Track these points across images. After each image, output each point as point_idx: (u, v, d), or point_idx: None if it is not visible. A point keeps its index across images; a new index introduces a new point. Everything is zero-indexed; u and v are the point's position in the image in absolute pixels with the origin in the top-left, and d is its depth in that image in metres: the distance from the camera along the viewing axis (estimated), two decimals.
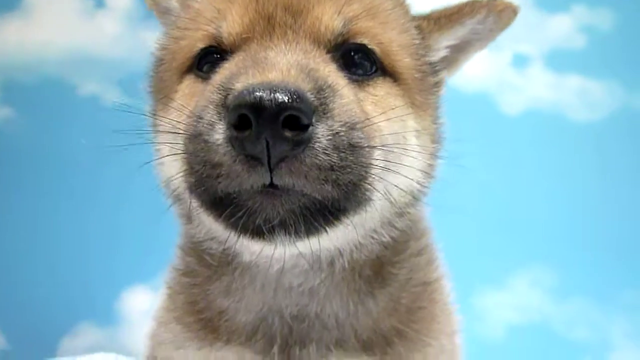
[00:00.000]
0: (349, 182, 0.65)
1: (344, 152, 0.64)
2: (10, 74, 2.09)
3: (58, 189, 2.06)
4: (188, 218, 0.81)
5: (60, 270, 1.95)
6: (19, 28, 2.15)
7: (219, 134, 0.64)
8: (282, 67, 0.66)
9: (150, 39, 2.05)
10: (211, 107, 0.66)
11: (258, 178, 0.63)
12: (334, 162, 0.63)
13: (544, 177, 2.01)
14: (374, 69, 0.77)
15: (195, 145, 0.66)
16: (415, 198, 0.79)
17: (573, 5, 2.07)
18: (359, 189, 0.66)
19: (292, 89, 0.62)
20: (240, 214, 0.65)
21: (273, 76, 0.64)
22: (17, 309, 1.95)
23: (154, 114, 0.85)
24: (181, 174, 0.70)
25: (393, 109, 0.75)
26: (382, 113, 0.72)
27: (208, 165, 0.65)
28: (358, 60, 0.76)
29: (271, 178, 0.63)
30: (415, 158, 0.76)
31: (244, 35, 0.74)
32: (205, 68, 0.78)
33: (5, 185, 2.07)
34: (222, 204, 0.67)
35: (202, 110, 0.67)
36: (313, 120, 0.63)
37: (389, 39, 0.77)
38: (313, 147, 0.63)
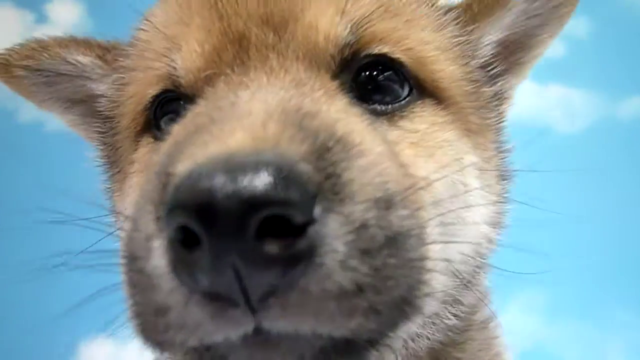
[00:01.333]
0: (395, 300, 0.39)
1: (379, 254, 0.38)
2: None
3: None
4: None
5: (9, 325, 1.73)
6: None
7: (159, 256, 0.39)
8: (254, 120, 0.41)
9: None
10: (147, 207, 0.40)
11: (233, 326, 0.39)
12: (364, 278, 0.37)
13: (530, 191, 1.93)
14: (406, 91, 0.54)
15: (132, 274, 0.42)
16: (484, 261, 0.60)
17: None
18: (411, 302, 0.41)
19: (270, 164, 0.36)
20: None
21: (236, 142, 0.39)
22: None
23: (111, 195, 0.66)
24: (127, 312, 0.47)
25: (443, 147, 0.54)
26: (429, 157, 0.51)
27: (150, 308, 0.40)
28: (382, 81, 0.53)
29: (256, 320, 0.39)
30: (481, 206, 0.57)
31: (207, 72, 0.51)
32: (163, 123, 0.56)
33: None
34: (190, 355, 0.43)
35: (137, 213, 0.42)
36: (315, 212, 0.37)
37: (420, 41, 0.55)
38: (322, 262, 0.37)
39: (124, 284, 0.45)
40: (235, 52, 0.51)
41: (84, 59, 0.70)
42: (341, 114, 0.47)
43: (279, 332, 0.39)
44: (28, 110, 1.94)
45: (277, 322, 0.39)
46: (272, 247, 0.36)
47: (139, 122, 0.60)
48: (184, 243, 0.37)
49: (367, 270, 0.38)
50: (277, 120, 0.42)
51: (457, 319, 0.59)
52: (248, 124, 0.41)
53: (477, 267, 0.58)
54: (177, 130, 0.50)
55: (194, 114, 0.49)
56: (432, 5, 0.63)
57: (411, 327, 0.48)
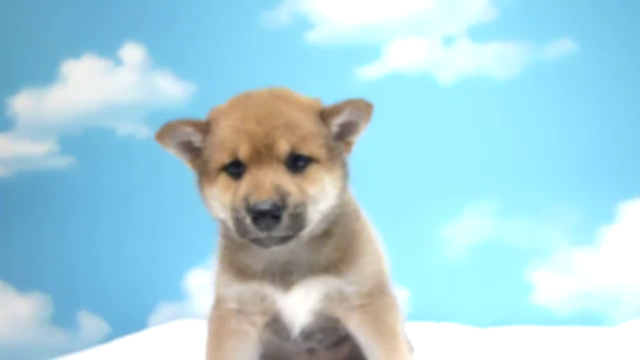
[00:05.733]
0: (299, 227, 1.20)
1: (294, 219, 1.19)
2: (63, 130, 2.62)
3: (119, 208, 2.62)
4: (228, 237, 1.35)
5: (139, 267, 2.57)
6: (61, 94, 2.63)
7: (249, 220, 1.17)
8: (267, 188, 1.18)
9: (161, 83, 2.59)
10: (242, 211, 1.18)
11: (266, 234, 1.17)
12: (291, 223, 1.18)
13: (479, 128, 2.54)
14: (306, 161, 1.25)
15: (239, 223, 1.19)
16: (336, 206, 1.30)
17: None
18: (302, 227, 1.21)
19: (272, 202, 1.16)
20: (258, 242, 1.21)
21: (265, 195, 1.17)
22: (113, 302, 2.57)
23: (201, 187, 1.32)
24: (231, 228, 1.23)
25: (317, 180, 1.25)
26: (312, 183, 1.24)
27: (244, 230, 1.19)
28: (298, 160, 1.25)
29: (269, 232, 1.17)
30: (332, 195, 1.30)
31: (250, 159, 1.22)
32: (230, 172, 1.25)
33: (84, 214, 2.64)
34: (252, 240, 1.20)
35: (238, 209, 1.19)
36: (281, 212, 1.16)
37: (312, 145, 1.26)
38: (283, 221, 1.17)
39: (235, 221, 1.20)
40: (258, 154, 1.20)
41: (190, 129, 1.32)
42: (288, 182, 1.20)
43: (275, 234, 1.17)
44: (122, 127, 2.62)
45: (274, 231, 1.17)
46: (273, 220, 1.16)
47: (219, 166, 1.25)
48: (254, 219, 1.14)
49: (291, 222, 1.19)
50: (272, 188, 1.17)
51: (330, 221, 1.31)
52: (266, 189, 1.16)
53: (334, 207, 1.29)
54: (243, 185, 1.20)
55: (247, 178, 1.20)
56: (318, 123, 1.30)
57: (306, 231, 1.23)
